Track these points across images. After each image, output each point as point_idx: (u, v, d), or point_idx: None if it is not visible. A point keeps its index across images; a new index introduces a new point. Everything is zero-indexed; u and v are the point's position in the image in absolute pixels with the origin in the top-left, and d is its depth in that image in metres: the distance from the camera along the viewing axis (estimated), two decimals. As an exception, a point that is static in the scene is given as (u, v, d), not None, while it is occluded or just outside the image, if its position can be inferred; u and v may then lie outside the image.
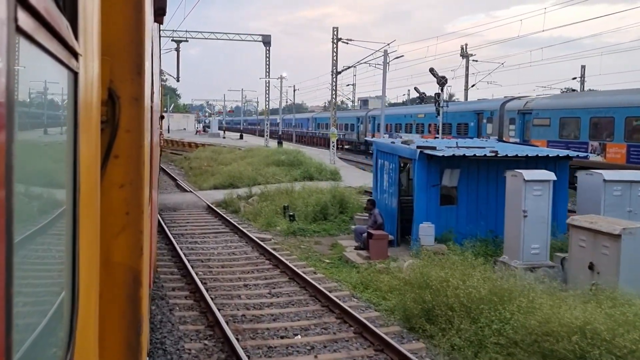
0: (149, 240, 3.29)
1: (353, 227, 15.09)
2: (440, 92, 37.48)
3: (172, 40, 46.36)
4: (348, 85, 68.11)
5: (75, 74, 1.37)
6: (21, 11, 0.87)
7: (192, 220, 18.24)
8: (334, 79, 37.38)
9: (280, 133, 51.09)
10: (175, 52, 47.15)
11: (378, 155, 15.30)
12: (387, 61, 24.74)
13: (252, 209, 19.57)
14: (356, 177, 29.85)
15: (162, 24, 6.32)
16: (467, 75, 46.80)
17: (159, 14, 5.05)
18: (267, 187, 21.88)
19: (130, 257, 2.44)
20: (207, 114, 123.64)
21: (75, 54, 1.35)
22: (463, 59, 46.71)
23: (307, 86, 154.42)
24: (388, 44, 36.83)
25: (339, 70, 37.84)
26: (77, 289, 1.41)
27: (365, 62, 37.30)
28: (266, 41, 47.04)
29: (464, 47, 46.28)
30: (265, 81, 47.79)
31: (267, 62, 47.41)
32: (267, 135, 48.66)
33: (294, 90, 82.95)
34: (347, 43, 37.69)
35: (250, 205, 20.34)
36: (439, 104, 37.70)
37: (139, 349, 2.50)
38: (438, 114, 37.67)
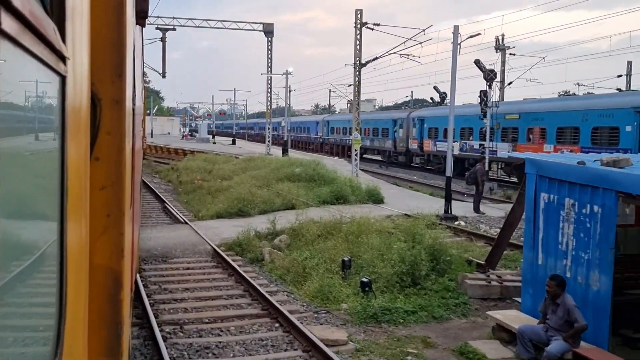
0: (131, 242, 3.34)
1: (515, 327, 8.09)
2: (488, 88, 30.93)
3: (157, 28, 39.22)
4: (350, 85, 60.81)
5: (63, 78, 1.35)
6: (4, 14, 0.86)
7: (194, 285, 11.08)
8: (357, 72, 30.44)
9: (285, 139, 43.64)
10: (161, 44, 40.25)
11: (540, 186, 8.32)
12: (459, 41, 17.94)
13: (285, 260, 12.49)
14: (397, 198, 22.82)
15: (144, 26, 6.07)
16: (502, 72, 39.96)
17: (141, 16, 4.69)
18: (298, 219, 14.75)
19: (111, 259, 2.37)
20: (191, 117, 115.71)
21: (63, 58, 1.32)
22: (497, 52, 40.03)
23: (294, 89, 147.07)
24: (423, 30, 30.14)
25: (362, 62, 30.93)
26: (66, 293, 1.39)
27: (395, 52, 30.51)
28: (268, 30, 39.95)
29: (500, 38, 39.62)
30: (267, 77, 40.56)
31: (269, 55, 40.22)
32: (269, 142, 41.38)
33: (289, 92, 75.84)
34: (372, 29, 30.86)
35: (278, 252, 13.27)
36: (485, 103, 31.10)
37: (119, 351, 2.40)
38: (484, 116, 31.06)
